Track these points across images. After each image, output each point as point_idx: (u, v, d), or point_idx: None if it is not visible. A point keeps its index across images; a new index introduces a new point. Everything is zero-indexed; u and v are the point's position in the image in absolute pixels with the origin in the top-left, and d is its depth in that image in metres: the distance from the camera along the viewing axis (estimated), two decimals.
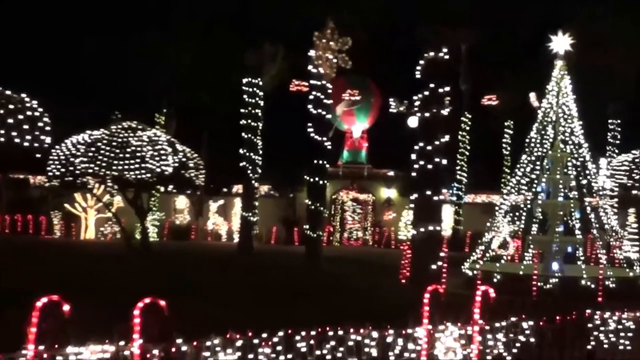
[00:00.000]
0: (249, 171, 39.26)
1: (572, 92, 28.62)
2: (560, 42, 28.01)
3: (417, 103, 23.13)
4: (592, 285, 24.38)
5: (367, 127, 57.32)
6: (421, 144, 22.83)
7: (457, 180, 54.16)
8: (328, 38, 30.23)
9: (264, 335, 10.45)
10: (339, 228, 54.26)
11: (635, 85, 46.07)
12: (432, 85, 22.75)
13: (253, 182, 41.48)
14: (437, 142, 22.69)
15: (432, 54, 22.81)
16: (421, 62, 23.26)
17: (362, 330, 11.25)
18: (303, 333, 10.80)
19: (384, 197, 54.32)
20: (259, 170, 49.63)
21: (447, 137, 23.07)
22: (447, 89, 23.05)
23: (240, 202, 43.44)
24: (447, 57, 22.90)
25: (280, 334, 10.60)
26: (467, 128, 54.67)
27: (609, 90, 50.62)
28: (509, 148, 58.00)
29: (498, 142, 59.24)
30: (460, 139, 54.44)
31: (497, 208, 29.75)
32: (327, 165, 33.16)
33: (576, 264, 27.02)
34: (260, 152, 50.65)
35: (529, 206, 28.61)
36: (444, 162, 23.12)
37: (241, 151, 39.25)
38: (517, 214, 29.03)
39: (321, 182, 31.00)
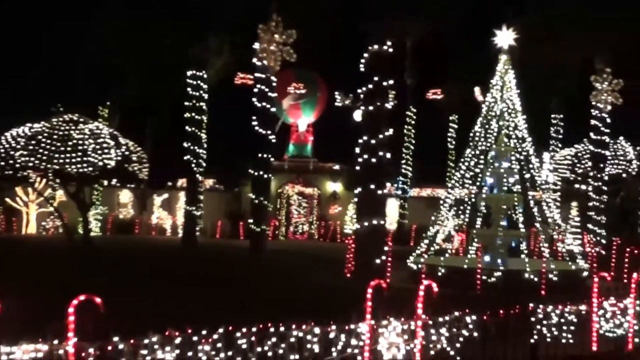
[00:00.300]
0: (193, 165, 38.82)
1: (516, 86, 28.76)
2: (504, 37, 28.09)
3: (361, 97, 23.01)
4: (535, 279, 24.50)
5: (313, 121, 57.19)
6: (365, 138, 22.68)
7: (402, 174, 54.32)
8: (273, 31, 29.97)
9: (204, 332, 10.23)
10: (284, 222, 54.05)
11: (576, 80, 46.52)
12: (376, 79, 22.61)
13: (197, 175, 41.03)
14: (381, 136, 22.55)
15: (376, 47, 22.69)
16: (365, 55, 23.13)
17: (304, 327, 11.08)
18: (244, 330, 10.60)
19: (329, 190, 54.24)
20: (204, 164, 49.33)
21: (391, 131, 22.94)
22: (391, 82, 22.93)
23: (185, 196, 42.90)
24: (391, 50, 22.79)
25: (221, 330, 10.39)
26: (413, 122, 54.83)
27: (551, 85, 51.13)
28: (454, 142, 58.38)
29: (443, 136, 59.60)
30: (406, 133, 54.66)
31: (441, 202, 29.77)
32: (272, 159, 32.97)
33: (520, 257, 27.14)
34: (205, 145, 50.40)
35: (473, 200, 28.67)
36: (388, 155, 22.98)
37: (185, 145, 38.77)
38: (461, 207, 29.08)
39: (265, 175, 30.78)
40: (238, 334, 10.53)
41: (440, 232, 29.34)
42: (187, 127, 38.93)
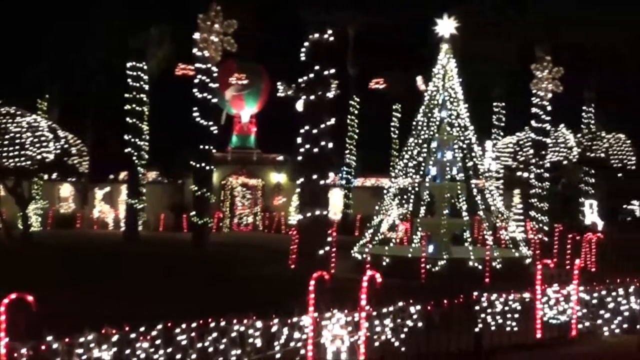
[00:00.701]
0: (134, 157, 38.23)
1: (458, 75, 28.79)
2: (446, 26, 28.05)
3: (302, 86, 22.81)
4: (479, 267, 24.57)
5: (256, 112, 56.86)
6: (307, 128, 22.50)
7: (346, 164, 54.32)
8: (213, 21, 29.57)
9: (142, 329, 9.98)
10: (228, 214, 53.65)
11: (517, 68, 46.92)
12: (317, 68, 22.42)
13: (139, 168, 40.47)
14: (322, 126, 22.38)
15: (316, 35, 22.48)
16: (306, 44, 22.90)
17: (245, 321, 10.88)
18: (183, 325, 10.38)
19: (273, 181, 54.00)
20: (146, 156, 48.74)
21: (333, 121, 22.77)
22: (332, 71, 22.75)
23: (126, 189, 42.30)
24: (332, 39, 22.60)
25: (159, 327, 10.15)
26: (356, 112, 54.82)
27: (493, 74, 51.49)
28: (397, 131, 58.53)
29: (387, 126, 59.72)
30: (349, 123, 54.63)
31: (385, 191, 29.72)
32: (215, 151, 32.60)
33: (464, 245, 27.18)
34: (147, 137, 49.80)
35: (417, 189, 28.66)
36: (330, 145, 22.83)
37: (126, 137, 38.17)
38: (405, 197, 29.06)
39: (207, 167, 30.41)
40: (177, 330, 10.32)
41: (385, 222, 29.27)
42: (127, 119, 38.28)
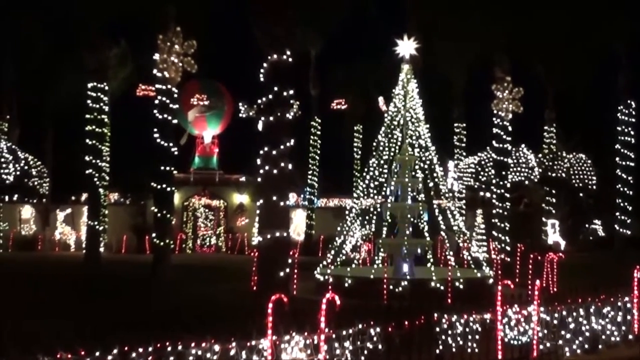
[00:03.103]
0: (94, 179, 37.78)
1: (419, 95, 28.86)
2: (406, 47, 28.15)
3: (261, 107, 22.69)
4: (442, 287, 24.53)
5: (219, 133, 56.77)
6: (266, 149, 22.36)
7: (309, 184, 54.29)
8: (172, 41, 29.40)
9: (97, 353, 9.76)
10: (191, 235, 53.36)
11: (472, 89, 47.40)
12: (275, 89, 22.32)
13: (100, 189, 40.04)
14: (282, 147, 22.25)
15: (275, 56, 22.41)
16: (265, 65, 22.83)
17: (203, 344, 10.69)
18: (140, 349, 10.17)
19: (236, 202, 53.84)
20: (107, 178, 48.35)
21: (292, 142, 22.65)
22: (292, 92, 22.65)
23: (87, 210, 41.81)
24: (290, 60, 22.52)
25: (115, 351, 9.94)
26: (318, 132, 54.86)
27: (452, 94, 51.87)
28: (359, 152, 58.67)
29: (349, 146, 59.84)
30: (311, 144, 54.63)
31: (347, 212, 29.65)
32: (176, 172, 32.39)
33: (426, 265, 27.14)
34: (109, 158, 49.43)
35: (379, 209, 28.62)
36: (290, 166, 22.67)
37: (86, 158, 37.73)
38: (367, 217, 29.01)
39: (168, 188, 30.13)
40: (134, 354, 10.11)
41: (348, 243, 29.19)
42: (87, 140, 37.88)
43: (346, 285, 24.91)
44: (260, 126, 23.25)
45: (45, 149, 54.84)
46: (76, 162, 40.74)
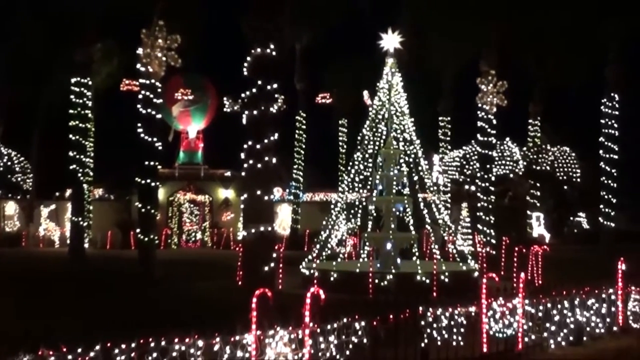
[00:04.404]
0: (78, 174, 37.60)
1: (404, 89, 28.83)
2: (390, 40, 28.11)
3: (246, 101, 22.62)
4: (427, 281, 24.52)
5: (203, 128, 56.62)
6: (250, 143, 22.28)
7: (294, 179, 54.22)
8: (156, 35, 29.23)
9: (80, 350, 9.69)
10: (176, 231, 53.24)
11: (459, 82, 47.41)
12: (259, 83, 22.24)
13: (84, 185, 39.86)
14: (266, 141, 22.18)
15: (258, 50, 22.32)
16: (248, 58, 22.74)
17: (186, 340, 10.63)
18: (123, 346, 10.10)
19: (221, 197, 53.74)
20: (91, 173, 48.16)
21: (276, 136, 22.58)
22: (275, 86, 22.56)
23: (71, 206, 41.58)
24: (274, 53, 22.43)
25: (98, 347, 9.87)
26: (303, 127, 54.77)
27: (438, 88, 51.88)
28: (344, 146, 58.63)
29: (334, 141, 59.82)
30: (297, 138, 54.55)
31: (332, 206, 29.61)
32: (160, 167, 32.23)
33: (411, 259, 27.13)
34: (93, 154, 49.22)
35: (364, 203, 28.60)
36: (274, 160, 22.59)
37: (70, 154, 37.55)
38: (352, 211, 28.98)
39: (152, 184, 29.98)
40: (116, 351, 10.04)
41: (334, 237, 29.16)
42: (71, 136, 37.70)
43: (332, 279, 24.90)
44: (244, 120, 23.16)
45: (30, 145, 54.52)
46: (60, 158, 40.56)
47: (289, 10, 23.63)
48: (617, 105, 47.76)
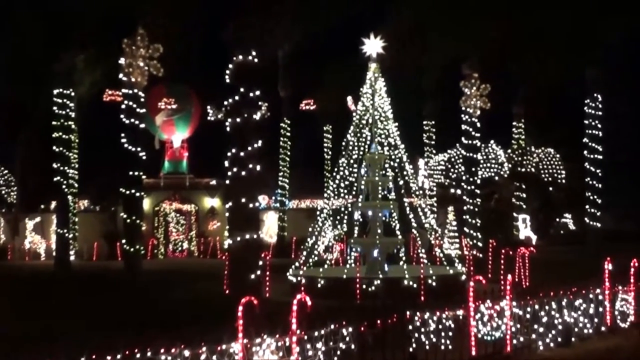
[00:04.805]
0: (62, 186, 37.41)
1: (387, 93, 28.83)
2: (373, 45, 28.09)
3: (228, 109, 22.55)
4: (415, 285, 24.49)
5: (188, 137, 56.46)
6: (234, 150, 22.19)
7: (280, 186, 54.12)
8: (138, 45, 29.14)
9: None
10: (163, 240, 53.02)
11: (444, 86, 47.44)
12: (242, 90, 22.17)
13: (68, 197, 39.65)
14: (250, 148, 22.09)
15: (240, 57, 22.25)
16: (230, 66, 22.68)
17: (172, 350, 10.55)
18: (108, 357, 10.01)
19: (207, 206, 53.55)
20: (76, 185, 47.92)
21: (260, 143, 22.49)
22: (258, 93, 22.49)
23: (56, 218, 41.35)
24: (256, 60, 22.37)
25: (83, 358, 9.79)
26: (288, 134, 54.66)
27: (422, 92, 51.89)
28: (330, 152, 58.55)
29: (320, 147, 59.74)
30: (282, 145, 54.43)
31: (317, 212, 29.54)
32: (144, 177, 32.11)
33: (398, 264, 27.05)
34: (77, 165, 48.99)
35: (350, 209, 28.55)
36: (258, 168, 22.49)
37: (54, 165, 37.37)
38: (338, 217, 28.92)
39: (137, 194, 29.88)
40: None
41: (320, 243, 29.11)
42: (54, 147, 37.53)
43: (319, 286, 24.84)
44: (228, 128, 23.08)
45: (14, 157, 54.28)
46: (45, 170, 40.38)
47: (272, 16, 23.54)
48: (600, 106, 47.90)
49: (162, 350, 10.43)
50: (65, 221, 38.11)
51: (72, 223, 50.05)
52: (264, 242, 49.92)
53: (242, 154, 22.04)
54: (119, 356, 10.08)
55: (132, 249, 29.41)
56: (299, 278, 25.69)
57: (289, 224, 53.30)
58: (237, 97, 22.17)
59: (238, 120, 22.12)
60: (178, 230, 53.65)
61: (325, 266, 27.85)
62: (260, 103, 22.74)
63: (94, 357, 9.91)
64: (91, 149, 54.04)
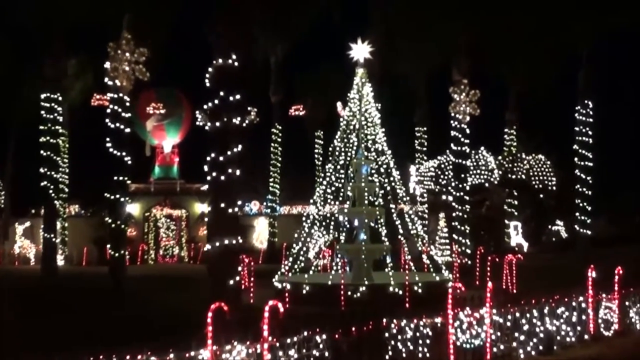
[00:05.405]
0: (50, 191, 37.19)
1: (376, 99, 28.70)
2: (360, 50, 27.98)
3: (208, 112, 22.35)
4: (400, 292, 24.32)
5: (178, 142, 56.28)
6: (213, 155, 22.00)
7: (270, 192, 53.97)
8: (123, 49, 28.94)
9: None
10: (153, 246, 52.84)
11: (434, 91, 47.36)
12: (222, 94, 21.97)
13: (57, 202, 39.42)
14: (229, 153, 21.87)
15: (220, 60, 22.06)
16: (210, 69, 22.51)
17: (139, 357, 10.35)
18: None
19: (198, 212, 53.40)
20: (66, 190, 47.73)
21: (240, 147, 22.24)
22: (239, 97, 22.28)
23: (42, 223, 41.02)
24: (236, 64, 22.16)
25: None
26: (279, 140, 54.47)
27: (412, 98, 51.79)
28: (320, 158, 58.44)
29: (311, 153, 59.66)
30: (273, 151, 54.25)
31: (303, 218, 29.36)
32: (129, 182, 31.85)
33: (384, 270, 26.86)
34: (68, 170, 48.83)
35: (337, 215, 28.40)
36: (238, 173, 22.26)
37: (42, 170, 37.16)
38: (324, 223, 28.74)
39: (122, 199, 29.64)
40: None
41: (311, 249, 28.96)
42: (42, 152, 37.33)
43: (304, 292, 24.69)
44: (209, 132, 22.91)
45: (4, 162, 54.11)
46: (34, 175, 40.19)
47: (255, 19, 23.40)
48: (591, 112, 47.81)
49: (127, 357, 10.23)
50: (53, 226, 37.91)
51: (62, 228, 49.98)
52: (252, 248, 49.94)
53: (221, 158, 21.81)
54: None
55: (116, 254, 29.14)
56: (284, 284, 25.50)
57: (279, 230, 53.15)
58: (216, 101, 21.97)
59: (218, 124, 21.91)
60: (168, 236, 53.51)
61: (311, 272, 27.67)
62: (241, 107, 22.51)
63: None
64: (81, 154, 53.92)
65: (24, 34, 40.90)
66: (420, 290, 24.71)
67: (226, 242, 21.67)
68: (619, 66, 60.79)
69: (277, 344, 11.62)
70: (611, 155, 56.24)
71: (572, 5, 45.04)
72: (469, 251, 37.89)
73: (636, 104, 64.43)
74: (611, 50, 50.70)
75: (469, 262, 34.24)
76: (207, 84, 22.22)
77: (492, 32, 43.39)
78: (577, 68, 48.23)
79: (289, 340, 11.84)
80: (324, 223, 28.77)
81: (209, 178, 22.16)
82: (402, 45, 45.33)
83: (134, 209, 51.73)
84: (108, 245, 31.08)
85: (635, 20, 44.94)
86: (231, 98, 21.91)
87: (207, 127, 22.26)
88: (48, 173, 37.36)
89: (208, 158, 21.90)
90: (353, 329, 12.76)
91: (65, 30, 37.02)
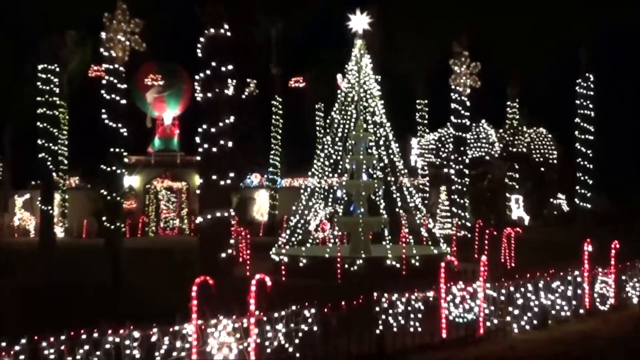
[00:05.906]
0: (48, 163, 36.97)
1: (375, 71, 28.41)
2: (359, 21, 27.62)
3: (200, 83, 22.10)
4: (397, 265, 24.18)
5: (179, 114, 56.10)
6: (205, 126, 21.72)
7: (271, 164, 53.79)
8: (119, 19, 28.53)
9: (4, 343, 9.25)
10: (154, 218, 52.80)
11: (439, 65, 46.88)
12: (213, 64, 21.66)
13: (55, 174, 39.22)
14: (221, 124, 21.60)
15: (212, 30, 21.74)
16: (201, 39, 22.20)
17: (121, 331, 10.18)
18: (51, 338, 9.64)
19: (198, 184, 53.16)
20: (66, 162, 47.58)
21: (232, 119, 21.94)
22: (230, 67, 21.97)
23: (40, 195, 40.79)
24: (229, 34, 21.82)
25: (23, 341, 9.42)
26: (280, 112, 54.17)
27: (415, 71, 51.40)
28: (322, 130, 58.16)
29: (312, 125, 59.43)
30: (273, 123, 53.99)
31: (302, 191, 29.14)
32: (125, 153, 31.58)
33: (381, 243, 26.69)
34: (67, 142, 48.65)
35: (336, 187, 28.23)
36: (230, 144, 21.97)
37: (39, 142, 36.91)
38: (322, 196, 28.56)
39: (118, 171, 29.34)
40: (45, 344, 9.58)
41: (310, 221, 28.82)
42: (39, 124, 37.08)
43: (301, 265, 24.56)
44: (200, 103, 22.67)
45: (3, 134, 53.94)
46: (33, 147, 39.98)
47: None
48: (592, 86, 47.43)
49: (109, 332, 10.06)
50: (50, 198, 37.70)
51: (62, 200, 49.89)
52: (252, 220, 49.81)
53: (213, 130, 21.55)
54: (62, 337, 9.72)
55: (112, 227, 28.87)
56: (281, 257, 25.36)
57: (280, 203, 52.97)
58: (208, 72, 21.68)
59: (209, 95, 21.64)
60: (169, 208, 53.44)
61: (309, 245, 27.48)
62: (233, 78, 22.23)
63: (35, 338, 9.57)
64: (81, 126, 53.71)
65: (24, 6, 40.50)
66: (417, 264, 24.56)
67: (217, 214, 21.48)
68: (620, 44, 60.18)
69: (265, 319, 11.45)
70: (612, 131, 55.60)
71: None
72: (469, 224, 37.72)
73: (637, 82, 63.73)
74: (612, 28, 49.96)
75: (469, 235, 34.08)
76: (199, 54, 21.94)
77: (495, 8, 43.11)
78: (578, 43, 47.79)
79: (276, 315, 11.67)
80: (322, 196, 28.56)
81: (200, 150, 21.91)
82: (406, 21, 44.96)
83: (134, 181, 51.66)
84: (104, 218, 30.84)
85: None
86: (223, 69, 21.62)
87: (198, 98, 22.04)
88: (46, 145, 37.09)
89: (199, 129, 21.64)
90: (343, 303, 12.57)
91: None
